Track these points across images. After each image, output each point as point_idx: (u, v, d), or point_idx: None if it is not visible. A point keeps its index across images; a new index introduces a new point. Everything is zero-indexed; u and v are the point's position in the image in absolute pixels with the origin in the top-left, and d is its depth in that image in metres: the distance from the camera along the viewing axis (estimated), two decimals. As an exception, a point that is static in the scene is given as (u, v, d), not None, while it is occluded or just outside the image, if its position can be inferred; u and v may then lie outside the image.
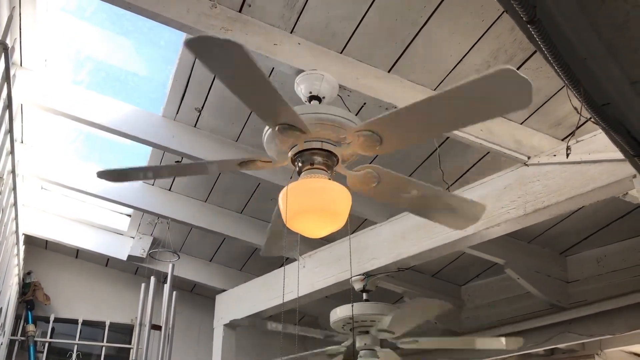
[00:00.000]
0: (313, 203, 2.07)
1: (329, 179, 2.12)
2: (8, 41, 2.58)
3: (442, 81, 2.81)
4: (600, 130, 2.28)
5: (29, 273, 5.29)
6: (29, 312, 5.18)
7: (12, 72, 2.87)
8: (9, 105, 2.91)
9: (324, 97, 2.39)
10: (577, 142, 2.72)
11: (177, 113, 3.50)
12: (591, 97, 1.81)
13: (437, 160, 3.17)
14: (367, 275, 3.77)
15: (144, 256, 4.97)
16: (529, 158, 2.97)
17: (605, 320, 3.99)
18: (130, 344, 5.45)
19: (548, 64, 1.70)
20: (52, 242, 5.15)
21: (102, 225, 5.03)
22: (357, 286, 3.83)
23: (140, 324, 4.47)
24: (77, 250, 5.37)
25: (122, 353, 5.52)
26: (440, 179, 3.07)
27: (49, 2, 2.96)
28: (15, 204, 3.97)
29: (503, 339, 3.48)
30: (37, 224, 4.90)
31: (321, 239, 2.58)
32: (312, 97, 2.40)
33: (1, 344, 4.53)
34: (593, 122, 2.05)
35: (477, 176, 3.32)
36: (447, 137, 2.98)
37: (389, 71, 2.77)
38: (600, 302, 3.95)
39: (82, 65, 3.60)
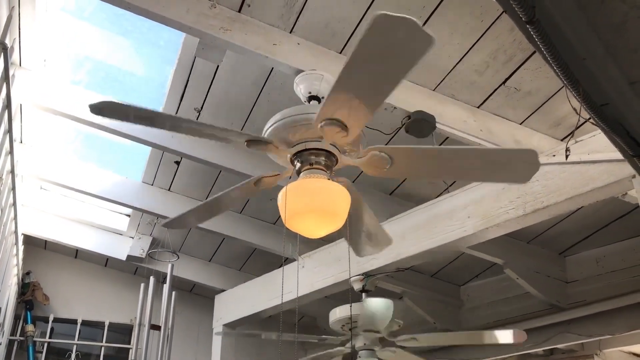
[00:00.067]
0: (312, 203, 2.06)
1: (328, 179, 2.12)
2: (7, 41, 2.58)
3: (441, 81, 2.81)
4: (600, 131, 2.28)
5: (28, 273, 5.29)
6: (28, 312, 5.18)
7: (11, 72, 2.87)
8: (8, 105, 2.90)
9: (323, 97, 2.39)
10: (577, 142, 2.72)
11: (176, 113, 3.49)
12: (590, 97, 1.81)
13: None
14: (367, 275, 3.77)
15: (143, 256, 4.97)
16: (528, 158, 2.96)
17: (605, 321, 3.99)
18: (129, 344, 5.45)
19: (547, 64, 1.71)
20: (51, 242, 5.14)
21: (102, 225, 5.02)
22: (357, 286, 3.83)
23: (140, 324, 4.47)
24: (77, 250, 5.36)
25: (121, 353, 5.52)
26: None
27: (48, 2, 2.96)
28: (14, 204, 3.97)
29: (510, 332, 3.44)
30: (36, 224, 4.90)
31: (320, 239, 2.58)
32: (312, 97, 2.40)
33: (0, 344, 4.52)
34: (592, 122, 2.05)
35: (476, 176, 3.31)
36: (447, 137, 2.98)
37: (388, 71, 2.77)
38: (600, 302, 3.96)
39: (81, 65, 3.60)
